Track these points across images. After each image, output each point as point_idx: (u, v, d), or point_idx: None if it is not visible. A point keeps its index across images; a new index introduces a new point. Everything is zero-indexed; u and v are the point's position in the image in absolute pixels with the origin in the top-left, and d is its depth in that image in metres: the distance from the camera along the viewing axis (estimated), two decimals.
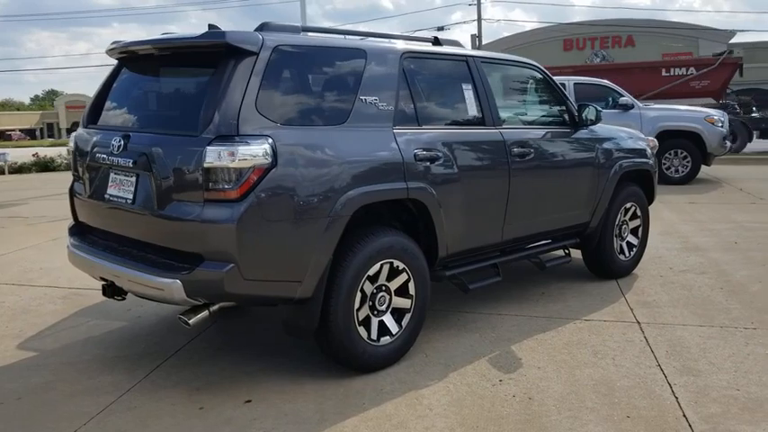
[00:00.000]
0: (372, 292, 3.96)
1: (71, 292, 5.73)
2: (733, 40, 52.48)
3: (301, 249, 3.58)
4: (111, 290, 3.98)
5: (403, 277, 4.09)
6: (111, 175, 3.93)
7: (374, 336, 3.99)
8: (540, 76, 5.37)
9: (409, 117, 4.20)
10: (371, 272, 3.91)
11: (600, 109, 5.43)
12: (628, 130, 6.15)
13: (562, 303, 5.35)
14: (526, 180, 4.85)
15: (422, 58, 4.44)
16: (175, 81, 4.02)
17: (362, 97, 3.96)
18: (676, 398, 3.67)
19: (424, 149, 4.15)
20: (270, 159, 3.42)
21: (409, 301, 4.14)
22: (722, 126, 12.96)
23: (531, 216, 5.03)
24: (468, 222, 4.45)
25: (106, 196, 3.95)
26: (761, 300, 5.40)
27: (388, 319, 4.07)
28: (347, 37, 4.36)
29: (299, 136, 3.60)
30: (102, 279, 3.97)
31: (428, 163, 4.15)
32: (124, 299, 4.10)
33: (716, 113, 13.15)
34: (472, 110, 4.64)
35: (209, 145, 3.36)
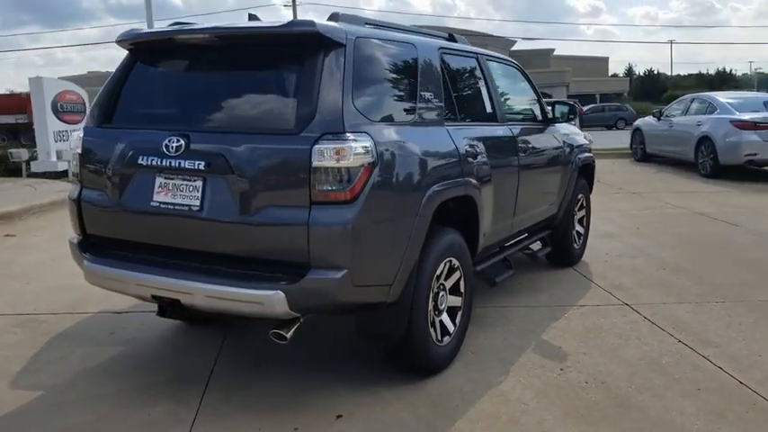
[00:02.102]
0: (435, 292, 3.89)
1: (26, 319, 4.92)
2: (514, 48, 57.59)
3: (398, 250, 3.43)
4: (174, 309, 3.50)
5: (456, 275, 4.05)
6: (159, 179, 3.46)
7: (439, 336, 3.91)
8: (521, 74, 5.58)
9: (451, 113, 4.18)
10: (438, 271, 3.84)
11: (574, 105, 5.75)
12: (572, 127, 6.56)
13: (547, 293, 5.58)
14: (528, 174, 5.02)
15: (451, 54, 4.42)
16: (248, 74, 3.58)
17: (422, 92, 3.87)
18: (720, 368, 4.01)
19: (469, 145, 4.15)
20: (374, 157, 3.24)
21: (460, 298, 4.11)
22: None
23: (529, 209, 5.21)
24: (495, 217, 4.51)
25: (153, 204, 3.47)
26: (705, 276, 6.02)
27: (445, 319, 4.01)
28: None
29: (388, 132, 3.44)
30: (156, 298, 3.48)
31: (472, 158, 4.15)
32: (184, 317, 3.62)
33: None
34: (488, 106, 4.72)
35: (315, 143, 3.10)
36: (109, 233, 3.75)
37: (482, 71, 4.74)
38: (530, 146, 5.06)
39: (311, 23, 3.26)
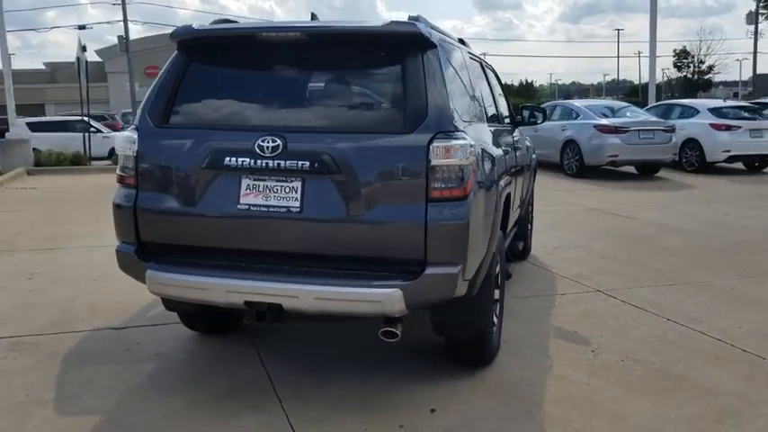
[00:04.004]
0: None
1: (15, 342, 4.38)
2: None
3: (486, 244, 3.56)
4: (274, 314, 3.33)
5: (497, 268, 4.25)
6: (246, 181, 3.31)
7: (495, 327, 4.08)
8: (495, 77, 5.88)
9: (483, 114, 4.37)
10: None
11: (545, 109, 6.16)
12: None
13: (523, 284, 5.90)
14: (519, 172, 5.33)
15: (472, 57, 4.60)
16: (346, 73, 3.48)
17: (474, 93, 4.04)
18: (719, 339, 4.53)
19: (504, 144, 4.37)
20: (476, 155, 3.35)
21: (498, 290, 4.31)
22: None
23: (519, 205, 5.52)
24: (513, 212, 4.76)
25: (240, 207, 3.32)
26: (644, 263, 6.68)
27: (496, 310, 4.18)
28: None
29: (473, 131, 3.56)
30: (250, 304, 3.31)
31: (504, 156, 4.37)
32: (284, 323, 3.46)
33: None
34: (494, 107, 4.96)
35: (431, 142, 3.15)
36: (175, 239, 3.51)
37: (485, 73, 4.97)
38: (518, 145, 5.38)
39: (412, 24, 3.31)
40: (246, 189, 3.32)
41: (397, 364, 4.07)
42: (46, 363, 4.07)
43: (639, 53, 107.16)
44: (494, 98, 5.00)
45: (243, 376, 3.89)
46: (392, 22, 3.36)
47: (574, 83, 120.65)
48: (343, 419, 3.39)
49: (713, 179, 14.05)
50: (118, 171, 3.64)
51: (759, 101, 22.17)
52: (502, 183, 3.86)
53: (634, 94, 62.37)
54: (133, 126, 3.60)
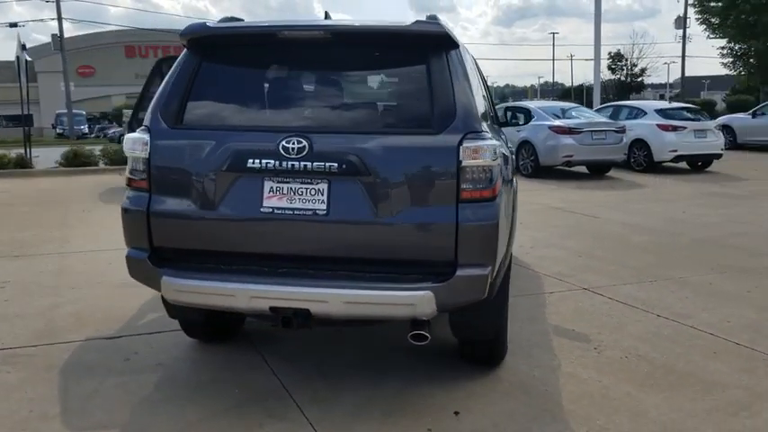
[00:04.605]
0: None
1: (6, 354, 4.16)
2: None
3: (506, 245, 3.57)
4: (300, 319, 3.24)
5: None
6: (269, 183, 3.22)
7: None
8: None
9: (490, 114, 4.38)
10: None
11: (529, 110, 6.22)
12: None
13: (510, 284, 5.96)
14: (514, 174, 5.37)
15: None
16: (371, 73, 3.44)
17: (484, 93, 4.04)
18: (711, 334, 4.66)
19: (507, 145, 4.40)
20: (500, 156, 3.35)
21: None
22: None
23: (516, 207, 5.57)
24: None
25: (263, 210, 3.22)
26: (620, 261, 6.83)
27: None
28: None
29: (493, 132, 3.57)
30: (275, 310, 3.22)
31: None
32: (310, 329, 3.36)
33: None
34: (491, 108, 4.98)
35: (462, 143, 3.14)
36: (192, 244, 3.39)
37: (481, 74, 4.99)
38: (509, 146, 5.42)
39: (438, 24, 3.29)
40: (269, 192, 3.23)
41: (406, 367, 4.04)
42: (43, 376, 3.87)
43: (572, 56, 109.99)
44: (490, 100, 5.03)
45: (255, 384, 3.79)
46: (418, 21, 3.34)
47: (508, 85, 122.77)
48: (370, 426, 3.34)
49: (661, 178, 14.48)
50: (127, 174, 3.49)
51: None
52: (513, 183, 3.88)
53: (566, 96, 64.00)
54: (143, 127, 3.46)
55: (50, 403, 3.54)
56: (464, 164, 3.13)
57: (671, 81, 76.01)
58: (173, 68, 3.52)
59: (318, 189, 3.19)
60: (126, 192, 3.53)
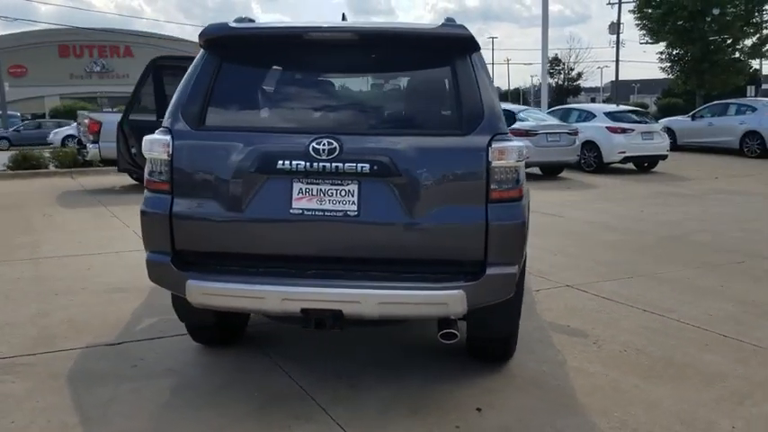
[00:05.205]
0: None
1: (6, 364, 4.00)
2: None
3: (527, 244, 3.65)
4: (333, 320, 3.24)
5: None
6: (298, 185, 3.22)
7: None
8: None
9: None
10: None
11: (513, 112, 6.33)
12: None
13: None
14: None
15: None
16: (398, 75, 3.44)
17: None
18: (697, 327, 4.86)
19: None
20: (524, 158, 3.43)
21: None
22: None
23: None
24: None
25: (293, 212, 3.22)
26: (595, 258, 7.04)
27: None
28: None
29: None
30: (307, 311, 3.21)
31: None
32: (342, 330, 3.36)
33: None
34: None
35: (491, 144, 3.20)
36: (218, 247, 3.35)
37: None
38: None
39: (464, 27, 3.35)
40: (299, 193, 3.23)
41: (418, 365, 4.09)
42: (50, 385, 3.76)
43: (509, 60, 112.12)
44: None
45: (273, 386, 3.78)
46: (445, 24, 3.39)
47: None
48: (400, 424, 3.37)
49: (612, 179, 14.94)
50: (147, 176, 3.43)
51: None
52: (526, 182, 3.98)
53: (504, 100, 65.21)
54: (163, 128, 3.40)
55: (66, 412, 3.44)
56: (493, 164, 3.20)
57: (602, 85, 78.25)
58: (191, 69, 3.47)
59: (348, 190, 3.21)
60: (144, 193, 3.47)
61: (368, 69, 3.61)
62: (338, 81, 3.62)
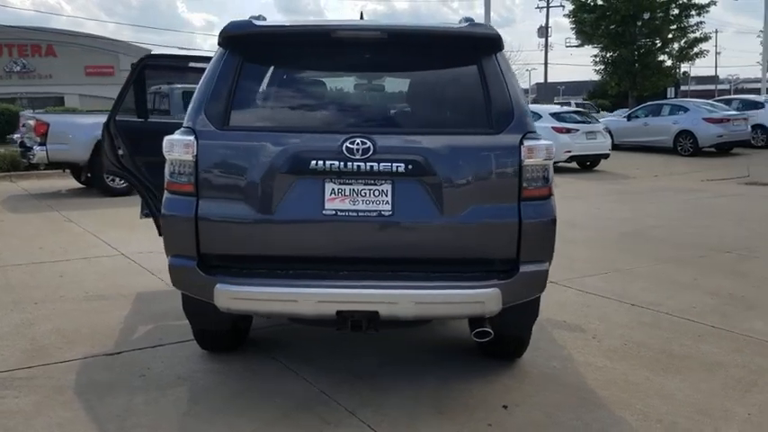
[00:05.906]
0: None
1: (4, 378, 3.77)
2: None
3: None
4: (369, 322, 3.18)
5: None
6: (330, 185, 3.15)
7: None
8: None
9: None
10: None
11: None
12: None
13: None
14: None
15: None
16: (427, 74, 3.39)
17: None
18: (688, 319, 5.02)
19: None
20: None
21: None
22: None
23: None
24: None
25: (326, 213, 3.15)
26: (568, 255, 7.14)
27: None
28: None
29: None
30: (342, 314, 3.14)
31: None
32: (377, 331, 3.29)
33: None
34: None
35: (522, 142, 3.22)
36: (247, 250, 3.24)
37: None
38: None
39: (490, 26, 3.35)
40: (331, 194, 3.17)
41: (433, 363, 4.10)
42: (57, 399, 3.57)
43: None
44: None
45: (291, 391, 3.70)
46: (472, 24, 3.39)
47: None
48: (431, 424, 3.36)
49: (560, 177, 15.01)
50: (168, 178, 3.29)
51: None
52: None
53: None
54: (185, 128, 3.27)
55: (83, 426, 3.29)
56: (525, 163, 3.23)
57: (529, 86, 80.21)
58: (211, 68, 3.36)
59: (382, 190, 3.17)
60: (165, 195, 3.33)
61: (395, 68, 3.58)
62: (365, 80, 3.58)
